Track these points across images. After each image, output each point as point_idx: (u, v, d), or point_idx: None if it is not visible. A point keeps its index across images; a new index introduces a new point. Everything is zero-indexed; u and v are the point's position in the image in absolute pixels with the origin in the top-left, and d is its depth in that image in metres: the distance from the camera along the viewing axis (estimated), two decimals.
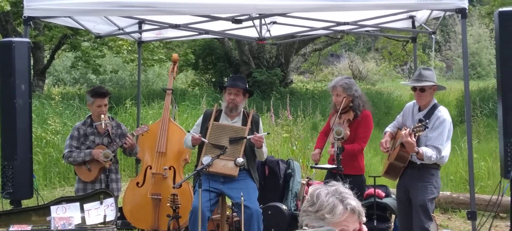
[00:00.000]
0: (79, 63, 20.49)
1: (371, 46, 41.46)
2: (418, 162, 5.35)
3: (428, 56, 27.34)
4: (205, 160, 5.61)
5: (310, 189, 2.70)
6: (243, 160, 5.80)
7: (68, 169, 10.20)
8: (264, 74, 20.39)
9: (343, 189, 2.66)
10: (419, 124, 5.14)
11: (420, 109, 5.58)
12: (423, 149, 5.21)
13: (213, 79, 23.62)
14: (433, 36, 7.33)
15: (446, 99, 20.31)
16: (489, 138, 12.81)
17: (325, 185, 2.68)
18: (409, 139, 5.13)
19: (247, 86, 6.27)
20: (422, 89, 5.47)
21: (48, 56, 20.54)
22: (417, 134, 5.17)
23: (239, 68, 21.64)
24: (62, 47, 20.09)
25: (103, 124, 6.09)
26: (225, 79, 24.09)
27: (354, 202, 2.61)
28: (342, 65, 37.31)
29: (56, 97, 12.38)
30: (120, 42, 16.07)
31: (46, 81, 22.69)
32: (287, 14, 6.64)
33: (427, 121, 5.21)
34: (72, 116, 12.28)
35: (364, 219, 2.65)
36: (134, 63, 18.23)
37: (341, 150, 5.58)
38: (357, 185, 5.74)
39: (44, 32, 17.32)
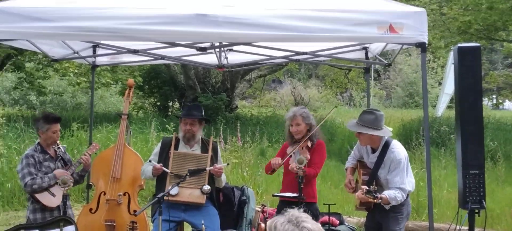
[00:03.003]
0: (23, 84, 19.96)
1: (312, 73, 41.99)
2: (387, 208, 5.40)
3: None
4: (174, 191, 5.58)
5: (268, 222, 2.72)
6: (209, 187, 5.83)
7: (11, 193, 9.89)
8: (210, 99, 20.39)
9: (299, 213, 2.68)
10: (369, 195, 5.13)
11: (373, 150, 5.64)
12: (386, 194, 5.26)
13: (158, 103, 23.42)
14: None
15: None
16: (433, 166, 13.06)
17: (282, 215, 2.71)
18: (365, 198, 5.19)
19: (203, 114, 6.32)
20: (359, 132, 5.55)
21: None
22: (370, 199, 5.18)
23: (184, 92, 21.55)
24: (5, 68, 19.54)
25: (61, 148, 6.07)
26: (170, 103, 23.94)
27: (309, 224, 2.63)
28: (284, 91, 37.60)
29: (1, 119, 12.02)
30: (66, 65, 15.74)
31: None
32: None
33: (375, 188, 5.19)
34: (16, 138, 11.93)
35: None
36: (80, 86, 17.89)
37: (302, 179, 5.62)
38: (311, 212, 5.80)
39: None
